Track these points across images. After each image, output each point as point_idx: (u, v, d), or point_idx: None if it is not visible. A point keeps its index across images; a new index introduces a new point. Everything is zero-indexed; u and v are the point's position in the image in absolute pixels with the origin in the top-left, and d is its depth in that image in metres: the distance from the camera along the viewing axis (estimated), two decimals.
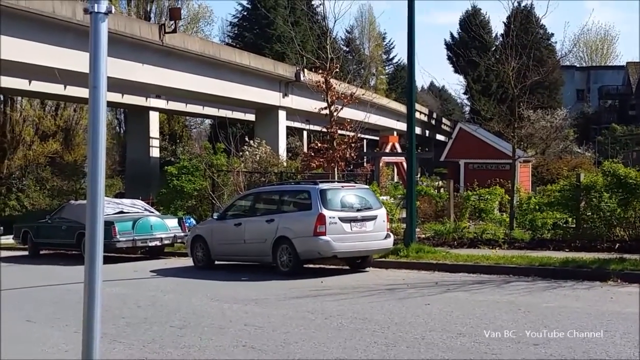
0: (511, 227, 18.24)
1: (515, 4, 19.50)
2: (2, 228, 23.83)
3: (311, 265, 15.44)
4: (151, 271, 15.95)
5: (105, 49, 3.46)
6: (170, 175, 24.60)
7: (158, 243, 19.16)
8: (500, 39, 49.87)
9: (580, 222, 16.88)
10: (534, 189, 29.59)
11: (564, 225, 17.48)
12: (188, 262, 17.09)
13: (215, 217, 16.98)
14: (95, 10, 3.42)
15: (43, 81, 29.61)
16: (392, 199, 22.35)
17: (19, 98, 42.33)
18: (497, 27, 62.65)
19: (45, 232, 20.75)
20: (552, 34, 67.51)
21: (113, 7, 3.50)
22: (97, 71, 3.49)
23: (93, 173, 3.58)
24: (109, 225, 17.50)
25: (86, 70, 3.59)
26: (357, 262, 15.22)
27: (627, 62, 79.20)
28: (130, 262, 18.72)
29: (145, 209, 21.07)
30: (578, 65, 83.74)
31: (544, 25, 62.63)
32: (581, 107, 70.82)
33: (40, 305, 11.65)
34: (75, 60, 23.31)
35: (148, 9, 52.13)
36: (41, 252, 21.29)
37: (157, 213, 21.34)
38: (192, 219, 21.88)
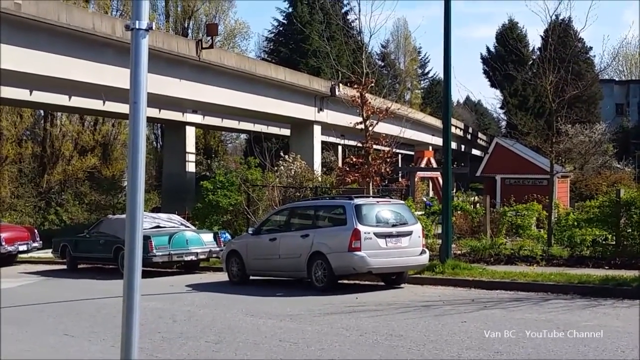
0: (549, 243, 17.97)
1: (553, 17, 19.32)
2: (41, 242, 24.17)
3: (346, 281, 15.37)
4: (187, 286, 16.02)
5: (146, 65, 3.49)
6: (205, 190, 24.73)
7: (194, 258, 19.25)
8: (538, 52, 49.49)
9: (620, 239, 16.57)
10: (572, 205, 29.17)
11: (604, 242, 17.16)
12: (223, 277, 17.14)
13: (250, 232, 17.01)
14: (137, 27, 3.46)
15: (83, 97, 30.06)
16: (427, 215, 22.22)
17: (59, 114, 43.02)
18: (535, 40, 62.33)
19: (83, 246, 20.98)
20: (591, 48, 66.75)
21: (153, 23, 3.53)
22: (137, 87, 3.52)
23: (132, 188, 3.60)
24: (145, 239, 17.63)
25: (125, 85, 3.63)
26: (393, 278, 15.11)
27: None
28: (166, 276, 18.83)
29: (182, 224, 21.20)
30: (617, 79, 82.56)
31: (582, 39, 61.93)
32: (620, 122, 69.75)
33: (78, 319, 11.76)
34: (115, 76, 23.65)
35: (185, 25, 52.78)
36: (79, 266, 21.52)
37: (193, 228, 21.45)
38: (227, 234, 21.96)
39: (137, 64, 3.49)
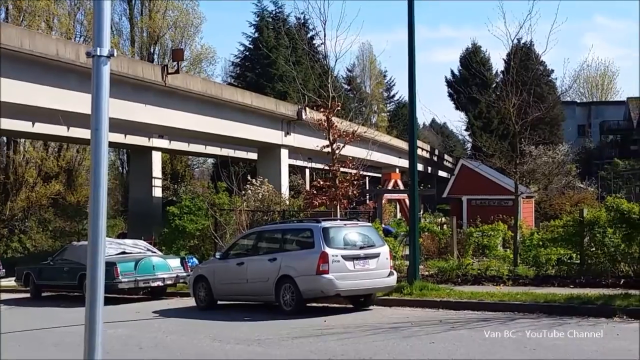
0: (515, 263, 18.13)
1: (515, 41, 19.65)
2: (4, 270, 23.77)
3: (314, 304, 15.34)
4: (153, 312, 15.85)
5: (107, 92, 3.49)
6: (172, 215, 24.58)
7: (160, 283, 19.08)
8: (501, 75, 50.22)
9: (585, 257, 16.79)
10: (537, 225, 29.49)
11: (568, 261, 17.37)
12: (191, 302, 16.99)
13: (217, 256, 16.93)
14: (98, 53, 3.46)
15: (46, 123, 29.76)
16: (395, 237, 22.30)
17: (22, 140, 42.51)
18: (498, 64, 63.09)
19: (47, 274, 20.68)
20: (552, 71, 67.95)
21: (115, 50, 3.53)
22: (99, 113, 3.52)
23: (94, 215, 3.58)
24: (111, 266, 17.46)
25: (89, 111, 3.62)
26: (361, 300, 15.12)
27: (628, 98, 79.56)
28: (132, 303, 18.61)
29: (148, 249, 21.02)
30: (579, 101, 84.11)
31: (544, 62, 63.09)
32: (583, 143, 70.94)
33: (41, 348, 11.56)
34: (79, 101, 23.46)
35: (151, 50, 52.64)
36: (43, 294, 21.19)
37: (160, 253, 21.28)
38: (194, 259, 21.82)
39: (99, 90, 3.49)
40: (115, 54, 3.56)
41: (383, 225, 28.15)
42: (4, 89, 21.86)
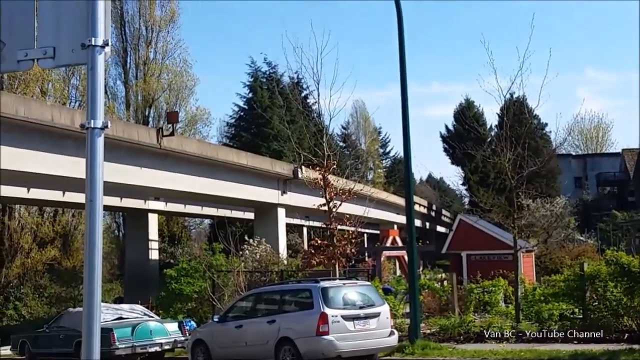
0: (517, 319, 17.92)
1: (507, 96, 19.82)
2: None
3: None
4: None
5: (102, 164, 3.45)
6: (169, 277, 24.36)
7: (158, 348, 18.77)
8: (495, 130, 50.59)
9: (587, 312, 16.62)
10: (538, 279, 29.27)
11: (571, 315, 17.19)
12: None
13: (215, 319, 16.72)
14: (92, 125, 3.44)
15: (42, 188, 29.73)
16: (395, 295, 22.10)
17: (17, 206, 42.40)
18: (491, 118, 63.57)
19: (43, 342, 20.35)
20: (546, 124, 68.26)
21: (110, 122, 3.50)
22: (93, 185, 3.47)
23: (90, 280, 3.51)
24: (107, 332, 17.19)
25: (84, 176, 3.58)
26: None
27: (623, 149, 79.98)
28: None
29: (145, 314, 20.74)
30: (574, 154, 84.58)
31: (538, 116, 63.48)
32: (580, 195, 71.05)
33: None
34: (74, 166, 23.43)
35: (146, 112, 53.00)
36: None
37: (157, 317, 20.99)
38: (192, 322, 21.54)
39: (93, 161, 3.45)
40: (109, 125, 3.53)
41: (383, 285, 27.98)
42: None
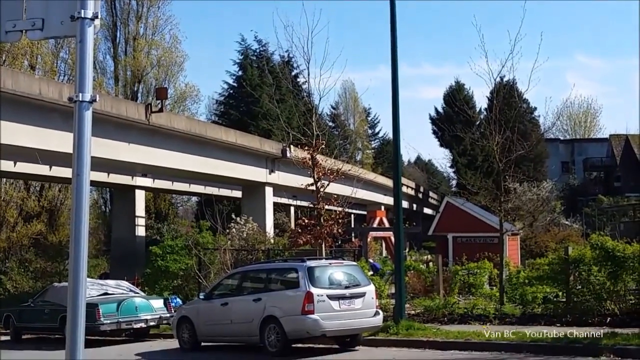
0: (501, 301, 18.07)
1: (498, 79, 19.82)
2: None
3: (300, 345, 15.15)
4: (136, 354, 15.59)
5: (90, 138, 3.43)
6: (154, 255, 24.34)
7: (143, 325, 18.80)
8: (485, 113, 50.60)
9: (571, 296, 16.76)
10: (523, 262, 29.48)
11: (555, 299, 17.34)
12: (174, 343, 16.74)
13: (201, 297, 16.75)
14: (80, 99, 3.41)
15: (28, 162, 29.55)
16: (381, 276, 22.21)
17: (3, 180, 42.15)
18: (481, 101, 63.62)
19: (27, 316, 20.33)
20: (535, 108, 68.51)
21: (98, 95, 3.48)
22: (80, 159, 3.46)
23: (76, 255, 3.51)
24: (92, 307, 17.20)
25: (72, 150, 3.56)
26: (347, 341, 14.97)
27: (611, 135, 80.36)
28: (114, 345, 18.30)
29: (131, 290, 20.76)
30: (562, 138, 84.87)
31: (527, 100, 63.59)
32: (567, 179, 71.38)
33: None
34: (62, 141, 23.32)
35: (135, 88, 52.67)
36: (24, 337, 20.80)
37: (143, 294, 21.01)
38: (178, 299, 21.57)
39: (81, 135, 3.43)
40: (97, 99, 3.51)
41: (370, 261, 28.07)
42: None
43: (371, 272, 23.18)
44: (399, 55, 16.77)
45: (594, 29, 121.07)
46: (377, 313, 14.89)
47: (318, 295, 13.95)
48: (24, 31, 3.75)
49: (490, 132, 18.65)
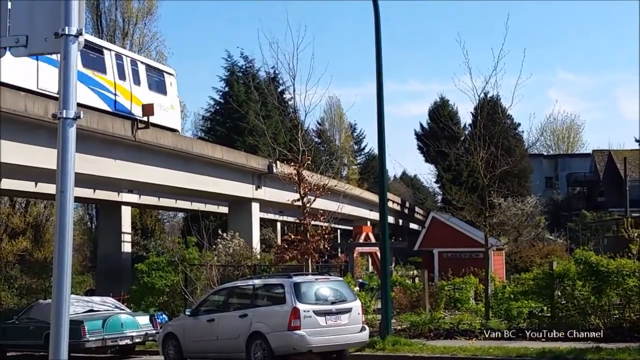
0: (487, 316, 18.13)
1: (482, 95, 19.98)
2: None
3: None
4: None
5: (74, 154, 3.45)
6: (140, 272, 24.23)
7: (129, 342, 18.69)
8: (469, 129, 50.91)
9: (556, 310, 16.84)
10: (508, 277, 29.56)
11: (540, 314, 17.41)
12: None
13: (187, 313, 16.69)
14: (64, 115, 3.44)
15: (14, 179, 29.41)
16: (367, 291, 22.21)
17: None
18: (466, 117, 63.93)
19: (12, 333, 20.16)
20: (519, 124, 68.99)
21: (82, 112, 3.51)
22: (65, 176, 3.48)
23: (59, 272, 3.52)
24: (77, 324, 17.09)
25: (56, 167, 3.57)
26: (333, 357, 14.95)
27: (594, 150, 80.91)
28: None
29: (116, 307, 20.64)
30: (546, 154, 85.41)
31: (511, 115, 64.01)
32: (550, 194, 71.76)
33: None
34: (48, 157, 23.22)
35: None
36: (8, 354, 20.62)
37: (128, 310, 20.90)
38: (164, 316, 21.45)
39: (65, 152, 3.46)
40: (81, 115, 3.53)
41: (359, 280, 28.07)
42: None
43: (357, 288, 23.19)
44: (384, 71, 16.90)
45: (574, 45, 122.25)
46: (363, 329, 14.91)
47: (304, 311, 13.94)
48: (7, 48, 3.77)
49: (475, 147, 18.79)
